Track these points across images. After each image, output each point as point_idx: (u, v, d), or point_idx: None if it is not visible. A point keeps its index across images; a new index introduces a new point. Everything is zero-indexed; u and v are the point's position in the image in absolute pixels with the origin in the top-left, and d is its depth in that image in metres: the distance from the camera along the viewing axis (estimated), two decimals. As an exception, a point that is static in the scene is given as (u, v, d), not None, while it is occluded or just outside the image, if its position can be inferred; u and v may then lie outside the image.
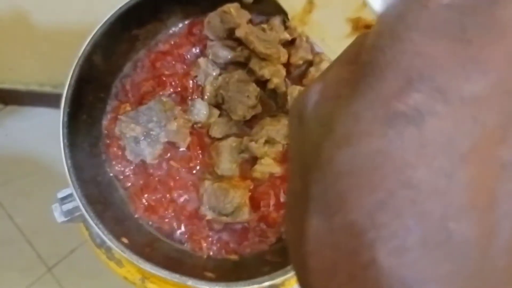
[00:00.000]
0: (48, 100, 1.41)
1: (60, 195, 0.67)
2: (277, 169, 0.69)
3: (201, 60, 0.70)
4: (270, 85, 0.69)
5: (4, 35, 1.17)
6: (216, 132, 0.69)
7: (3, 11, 1.08)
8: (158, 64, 0.72)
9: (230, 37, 0.71)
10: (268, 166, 0.68)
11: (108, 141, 0.69)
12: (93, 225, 0.60)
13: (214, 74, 0.70)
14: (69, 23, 1.06)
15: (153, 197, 0.68)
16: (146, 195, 0.68)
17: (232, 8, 0.70)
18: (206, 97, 0.70)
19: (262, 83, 0.71)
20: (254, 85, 0.69)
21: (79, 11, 1.01)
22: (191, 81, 0.71)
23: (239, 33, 0.69)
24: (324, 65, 0.71)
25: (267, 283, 0.59)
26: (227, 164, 0.68)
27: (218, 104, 0.71)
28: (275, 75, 0.69)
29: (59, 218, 0.68)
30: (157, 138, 0.67)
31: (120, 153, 0.68)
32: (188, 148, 0.69)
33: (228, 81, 0.68)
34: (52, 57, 1.20)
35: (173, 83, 0.71)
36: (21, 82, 1.41)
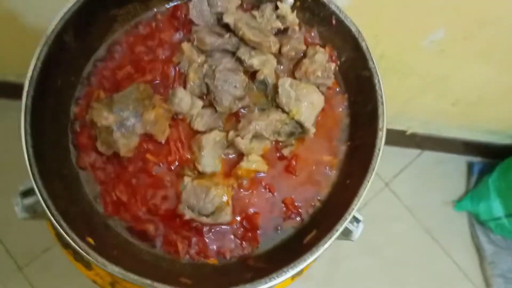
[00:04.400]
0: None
1: (22, 188, 0.60)
2: (264, 167, 0.63)
3: (185, 45, 0.64)
4: (260, 76, 0.64)
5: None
6: (198, 124, 0.63)
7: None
8: (137, 49, 0.65)
9: (218, 22, 0.66)
10: (255, 164, 0.62)
11: (77, 130, 0.62)
12: (55, 223, 0.53)
13: (199, 61, 0.64)
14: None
15: (126, 194, 0.61)
16: (117, 191, 0.61)
17: (221, -10, 0.65)
18: (189, 86, 0.64)
19: (251, 74, 0.65)
20: (242, 74, 0.63)
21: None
22: (173, 69, 0.65)
23: (227, 18, 0.63)
24: (319, 57, 0.66)
25: (249, 292, 0.53)
26: (209, 159, 0.62)
27: (202, 94, 0.65)
28: (265, 65, 0.64)
29: (20, 214, 0.60)
30: (133, 129, 0.61)
31: (90, 144, 0.62)
32: (167, 141, 0.63)
33: (214, 69, 0.62)
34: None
35: (153, 70, 0.64)
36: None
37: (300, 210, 0.64)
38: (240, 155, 0.63)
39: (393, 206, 1.52)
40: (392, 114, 1.36)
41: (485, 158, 1.57)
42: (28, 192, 0.59)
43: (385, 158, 1.58)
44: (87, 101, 0.63)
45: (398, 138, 1.49)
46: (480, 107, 1.27)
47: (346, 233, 0.62)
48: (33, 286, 1.32)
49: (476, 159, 1.58)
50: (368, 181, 0.59)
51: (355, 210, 0.57)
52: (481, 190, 1.45)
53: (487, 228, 1.46)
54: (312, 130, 0.63)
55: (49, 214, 0.53)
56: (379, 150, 0.60)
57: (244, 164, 0.62)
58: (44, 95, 0.57)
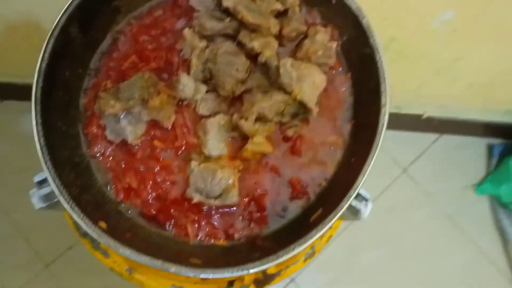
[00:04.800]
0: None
1: (37, 178, 0.62)
2: (269, 149, 0.64)
3: (187, 32, 0.65)
4: (261, 59, 0.64)
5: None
6: (203, 109, 0.64)
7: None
8: (141, 38, 0.67)
9: (218, 7, 0.66)
10: (260, 145, 0.63)
11: (86, 120, 0.64)
12: (68, 208, 0.55)
13: (201, 46, 0.65)
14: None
15: (135, 180, 0.63)
16: (127, 178, 0.63)
17: (220, -24, 0.65)
18: (192, 71, 0.65)
19: (253, 57, 0.66)
20: (244, 57, 0.64)
21: None
22: (176, 56, 0.66)
23: (226, 2, 0.64)
24: (320, 37, 0.66)
25: (256, 269, 0.54)
26: (214, 143, 0.63)
27: (205, 79, 0.66)
28: (266, 47, 0.64)
29: (37, 204, 0.63)
30: (139, 116, 0.62)
31: (100, 133, 0.64)
32: (173, 127, 0.64)
33: (216, 53, 0.63)
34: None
35: (157, 58, 0.66)
36: (18, 75, 1.38)
37: (306, 190, 0.64)
38: (245, 138, 0.64)
39: (412, 193, 1.50)
40: (406, 99, 1.34)
41: (505, 140, 1.53)
42: (43, 182, 0.61)
43: (402, 144, 1.55)
44: (95, 92, 0.65)
45: (414, 123, 1.46)
46: (495, 88, 1.24)
47: (354, 212, 0.61)
48: (59, 282, 1.36)
49: (496, 141, 1.54)
50: (373, 158, 0.58)
51: (360, 186, 0.57)
52: (502, 172, 1.41)
53: (510, 211, 1.42)
54: (315, 109, 0.63)
55: (63, 200, 0.55)
56: (382, 126, 0.60)
57: (249, 146, 0.62)
58: (53, 87, 0.59)
